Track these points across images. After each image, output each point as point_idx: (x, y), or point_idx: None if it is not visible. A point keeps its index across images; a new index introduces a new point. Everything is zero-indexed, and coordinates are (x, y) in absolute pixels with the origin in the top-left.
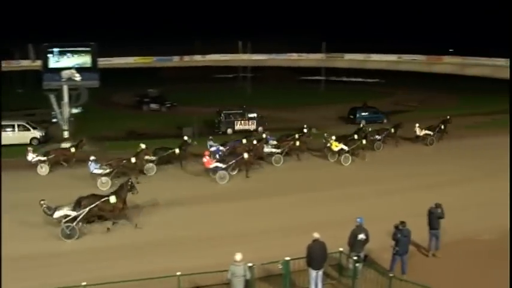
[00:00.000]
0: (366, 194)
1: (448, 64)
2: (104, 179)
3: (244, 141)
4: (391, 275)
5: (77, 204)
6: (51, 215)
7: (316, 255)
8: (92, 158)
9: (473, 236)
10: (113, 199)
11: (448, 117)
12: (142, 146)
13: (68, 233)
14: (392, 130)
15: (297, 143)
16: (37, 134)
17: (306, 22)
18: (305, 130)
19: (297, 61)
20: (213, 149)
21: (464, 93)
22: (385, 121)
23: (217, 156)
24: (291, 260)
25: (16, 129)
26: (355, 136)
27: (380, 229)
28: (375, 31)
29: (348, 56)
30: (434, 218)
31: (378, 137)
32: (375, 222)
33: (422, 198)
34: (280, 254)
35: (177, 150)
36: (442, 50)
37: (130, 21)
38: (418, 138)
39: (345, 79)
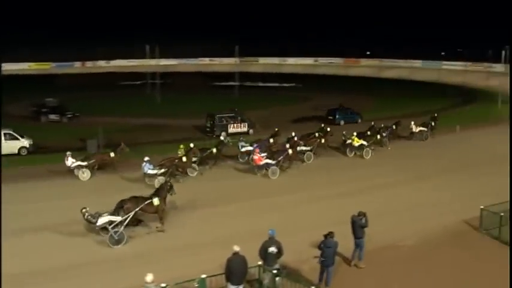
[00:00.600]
0: (297, 201)
1: (366, 67)
2: (161, 178)
3: (271, 140)
4: (312, 287)
5: (119, 209)
6: (95, 222)
7: (235, 270)
8: (146, 158)
9: (396, 242)
10: (156, 201)
11: (436, 114)
12: (191, 145)
13: (117, 238)
14: (394, 127)
15: (322, 141)
16: (26, 142)
17: (218, 25)
18: (328, 129)
19: (209, 66)
20: (246, 148)
21: (382, 96)
22: (359, 121)
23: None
24: (208, 277)
25: (3, 138)
26: (368, 132)
27: (305, 239)
28: (290, 34)
29: (263, 60)
30: (357, 226)
31: (383, 134)
32: (302, 231)
33: (351, 204)
34: (196, 271)
35: (214, 150)
36: (359, 53)
37: (24, 23)
38: (412, 134)
39: (260, 84)
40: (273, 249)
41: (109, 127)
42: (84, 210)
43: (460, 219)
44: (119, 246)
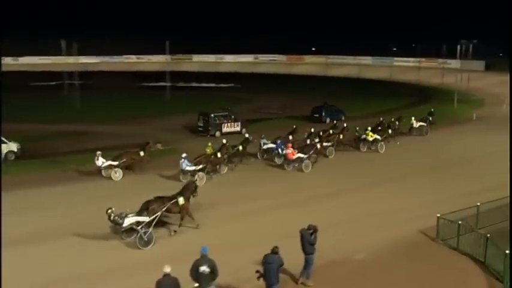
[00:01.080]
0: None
1: (311, 64)
2: (200, 174)
3: (290, 137)
4: None
5: (144, 209)
6: (122, 223)
7: None
8: (184, 155)
9: (348, 256)
10: (181, 200)
11: (432, 109)
12: (224, 141)
13: (146, 239)
14: (397, 122)
15: (341, 136)
16: (13, 146)
17: (146, 18)
18: (345, 125)
19: (136, 64)
20: (268, 145)
21: (330, 96)
22: (343, 118)
23: (279, 150)
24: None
25: None
26: (379, 128)
27: (249, 255)
28: (228, 29)
29: (197, 58)
30: (305, 241)
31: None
32: (244, 247)
33: (301, 215)
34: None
35: (240, 148)
36: (304, 49)
37: None
38: (411, 130)
39: (194, 84)
40: (204, 268)
41: (19, 135)
42: (110, 210)
43: (417, 229)
44: (148, 247)
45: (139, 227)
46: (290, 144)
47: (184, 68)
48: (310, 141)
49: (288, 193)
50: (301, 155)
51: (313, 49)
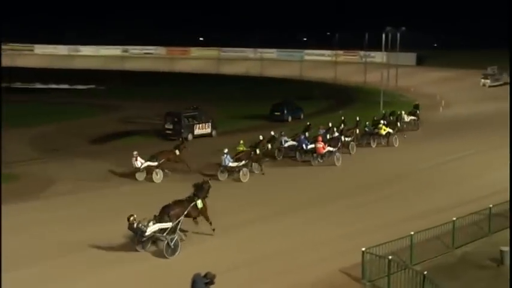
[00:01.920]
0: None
1: (199, 59)
2: (245, 170)
3: (307, 134)
4: None
5: (164, 215)
6: (145, 232)
7: None
8: (226, 150)
9: None
10: (199, 203)
11: (417, 102)
12: (261, 137)
13: (173, 247)
14: (404, 115)
15: (357, 131)
16: None
17: None
18: (357, 118)
19: None
20: (290, 143)
21: (222, 103)
22: (302, 116)
23: (303, 145)
24: None
25: None
26: (382, 121)
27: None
28: (84, 11)
29: (41, 49)
30: None
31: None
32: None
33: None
34: None
35: (269, 146)
36: (189, 40)
37: None
38: (402, 124)
39: (38, 86)
40: None
41: None
42: (132, 218)
43: (338, 268)
44: (175, 255)
45: (164, 234)
46: (320, 138)
47: (21, 63)
48: (331, 135)
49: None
50: (331, 149)
51: (201, 39)
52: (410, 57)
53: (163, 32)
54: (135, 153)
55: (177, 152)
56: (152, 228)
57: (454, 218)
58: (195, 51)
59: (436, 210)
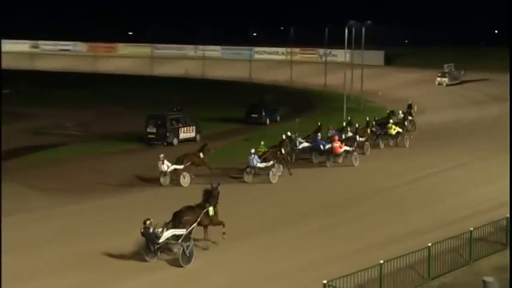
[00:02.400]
0: None
1: (127, 58)
2: (274, 170)
3: (319, 135)
4: None
5: (176, 221)
6: (159, 238)
7: None
8: (253, 150)
9: None
10: (211, 210)
11: (410, 102)
12: (284, 136)
13: (188, 255)
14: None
15: (368, 131)
16: None
17: None
18: (367, 118)
19: None
20: (304, 145)
21: (162, 103)
22: (278, 118)
23: (321, 146)
24: None
25: None
26: (391, 121)
27: None
28: None
29: None
30: None
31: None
32: None
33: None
34: None
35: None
36: (116, 35)
37: None
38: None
39: None
40: None
41: None
42: (149, 222)
43: None
44: (190, 264)
45: (180, 241)
46: (337, 137)
47: None
48: (345, 134)
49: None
50: (348, 148)
51: (130, 33)
52: (377, 56)
53: (84, 25)
54: (161, 156)
55: (201, 154)
56: (166, 234)
57: (430, 244)
58: (122, 48)
59: (410, 233)
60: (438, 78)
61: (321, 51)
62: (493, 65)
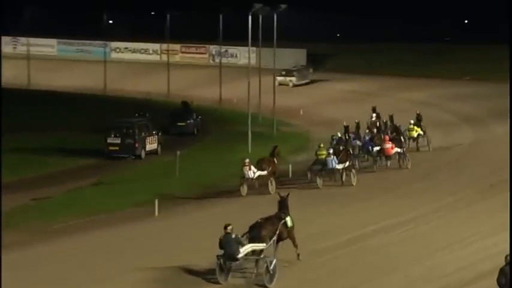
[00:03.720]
0: None
1: None
2: (354, 171)
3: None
4: None
5: (254, 234)
6: (239, 252)
7: None
8: (331, 151)
9: None
10: (289, 221)
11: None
12: (339, 134)
13: (272, 272)
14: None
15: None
16: None
17: None
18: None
19: None
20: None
21: None
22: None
23: (369, 148)
24: None
25: None
26: (412, 122)
27: None
28: None
29: None
30: None
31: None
32: None
33: None
34: None
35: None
36: None
37: None
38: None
39: None
40: None
41: None
42: (230, 227)
43: None
44: (273, 284)
45: (262, 256)
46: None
47: None
48: (384, 135)
49: None
50: (398, 150)
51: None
52: (297, 57)
53: None
54: (247, 161)
55: (275, 159)
56: (245, 248)
57: None
58: None
59: None
60: (280, 78)
61: (213, 49)
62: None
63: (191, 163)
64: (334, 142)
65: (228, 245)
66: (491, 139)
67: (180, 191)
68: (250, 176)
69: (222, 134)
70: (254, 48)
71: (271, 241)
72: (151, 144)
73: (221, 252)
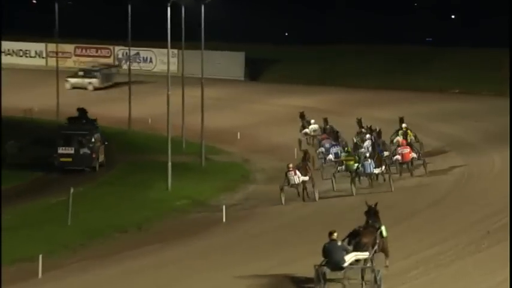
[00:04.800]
0: None
1: None
2: (394, 176)
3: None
4: None
5: (358, 242)
6: (348, 253)
7: None
8: (367, 154)
9: None
10: (385, 231)
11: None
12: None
13: (378, 283)
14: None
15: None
16: None
17: None
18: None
19: None
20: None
21: None
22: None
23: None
24: None
25: None
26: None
27: None
28: None
29: None
30: None
31: None
32: None
33: None
34: None
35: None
36: None
37: None
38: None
39: None
40: None
41: None
42: (336, 234)
43: None
44: None
45: (367, 265)
46: (404, 141)
47: None
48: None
49: None
50: (414, 155)
51: None
52: (232, 61)
53: None
54: (291, 165)
55: (309, 164)
56: (350, 257)
57: None
58: None
59: None
60: (74, 80)
61: (120, 51)
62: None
63: (90, 205)
64: (367, 143)
65: (333, 253)
66: (488, 171)
67: (73, 244)
68: (296, 182)
69: (133, 165)
70: (175, 51)
71: (374, 250)
72: (102, 155)
73: (319, 261)
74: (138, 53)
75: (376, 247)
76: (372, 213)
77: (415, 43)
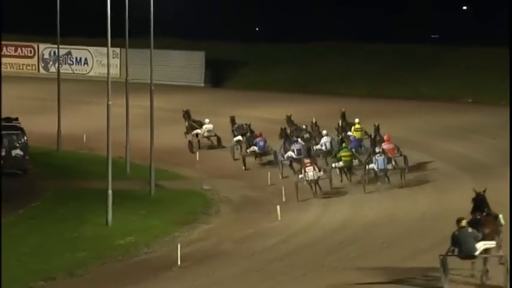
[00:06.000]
0: None
1: None
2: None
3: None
4: None
5: (481, 230)
6: (475, 249)
7: None
8: (377, 150)
9: None
10: (502, 219)
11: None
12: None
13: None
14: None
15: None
16: None
17: None
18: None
19: None
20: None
21: None
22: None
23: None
24: None
25: None
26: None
27: None
28: None
29: None
30: None
31: None
32: None
33: None
34: None
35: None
36: None
37: None
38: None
39: None
40: None
41: None
42: (465, 221)
43: None
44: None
45: (499, 254)
46: (387, 136)
47: None
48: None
49: None
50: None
51: None
52: (189, 61)
53: None
54: (307, 160)
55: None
56: (479, 245)
57: None
58: None
59: None
60: None
61: (46, 49)
62: None
63: (7, 246)
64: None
65: (465, 241)
66: (508, 199)
67: None
68: (314, 178)
69: (63, 194)
70: (117, 50)
71: (500, 239)
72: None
73: (445, 251)
74: (69, 53)
75: (501, 235)
76: (481, 201)
77: (417, 41)
